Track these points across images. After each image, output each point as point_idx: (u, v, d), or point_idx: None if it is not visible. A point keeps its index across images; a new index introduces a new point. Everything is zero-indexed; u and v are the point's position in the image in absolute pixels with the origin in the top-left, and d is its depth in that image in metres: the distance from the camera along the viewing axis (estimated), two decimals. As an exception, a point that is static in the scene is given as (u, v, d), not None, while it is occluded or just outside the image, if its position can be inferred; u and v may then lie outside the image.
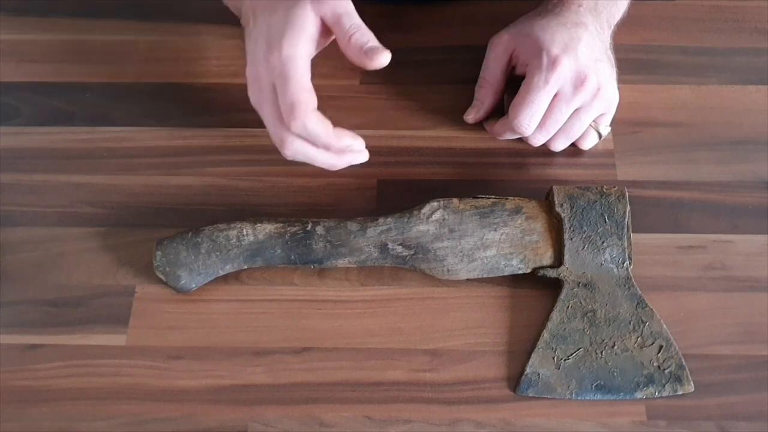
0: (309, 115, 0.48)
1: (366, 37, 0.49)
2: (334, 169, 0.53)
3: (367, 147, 0.60)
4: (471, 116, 0.60)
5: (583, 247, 0.52)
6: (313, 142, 0.50)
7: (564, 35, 0.54)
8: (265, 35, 0.49)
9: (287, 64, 0.48)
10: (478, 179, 0.59)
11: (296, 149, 0.50)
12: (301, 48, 0.48)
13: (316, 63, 0.65)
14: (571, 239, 0.52)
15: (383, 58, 0.49)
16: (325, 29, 0.50)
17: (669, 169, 0.59)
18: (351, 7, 0.50)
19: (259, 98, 0.50)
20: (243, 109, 0.62)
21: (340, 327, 0.53)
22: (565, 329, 0.51)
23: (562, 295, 0.52)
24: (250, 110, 0.62)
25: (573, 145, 0.59)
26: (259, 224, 0.53)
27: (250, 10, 0.52)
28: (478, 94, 0.60)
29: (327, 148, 0.51)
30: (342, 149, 0.52)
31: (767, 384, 0.50)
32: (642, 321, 0.51)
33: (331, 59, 0.65)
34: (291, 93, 0.48)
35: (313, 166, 0.59)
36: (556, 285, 0.53)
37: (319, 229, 0.53)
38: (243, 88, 0.63)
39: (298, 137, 0.50)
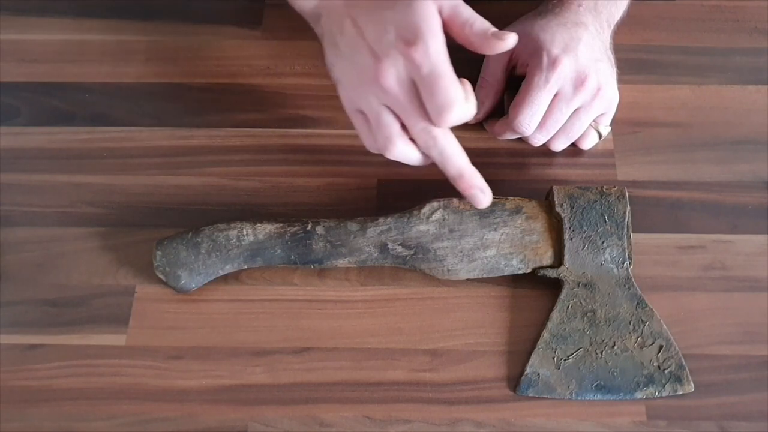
0: (463, 107, 0.46)
1: (486, 23, 0.48)
2: (462, 176, 0.50)
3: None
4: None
5: (583, 247, 0.52)
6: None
7: (564, 35, 0.54)
8: (392, 30, 0.46)
9: (437, 60, 0.46)
10: (478, 179, 0.59)
11: (438, 142, 0.48)
12: (441, 42, 0.47)
13: (316, 64, 0.65)
14: (571, 239, 0.52)
15: (511, 39, 0.47)
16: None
17: (669, 169, 0.59)
18: None
19: (395, 92, 0.47)
20: (243, 109, 0.62)
21: (340, 327, 0.53)
22: (565, 329, 0.51)
23: (562, 295, 0.52)
24: (250, 110, 0.62)
25: (573, 145, 0.59)
26: (259, 224, 0.53)
27: (342, 10, 0.49)
28: (479, 95, 0.60)
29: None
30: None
31: (767, 384, 0.50)
32: (642, 321, 0.51)
33: (331, 59, 0.65)
34: (445, 89, 0.46)
35: (314, 166, 0.59)
36: (556, 285, 0.53)
37: (319, 229, 0.53)
38: (243, 89, 0.64)
39: (443, 130, 0.48)
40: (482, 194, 0.50)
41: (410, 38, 0.46)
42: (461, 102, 0.46)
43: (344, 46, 0.49)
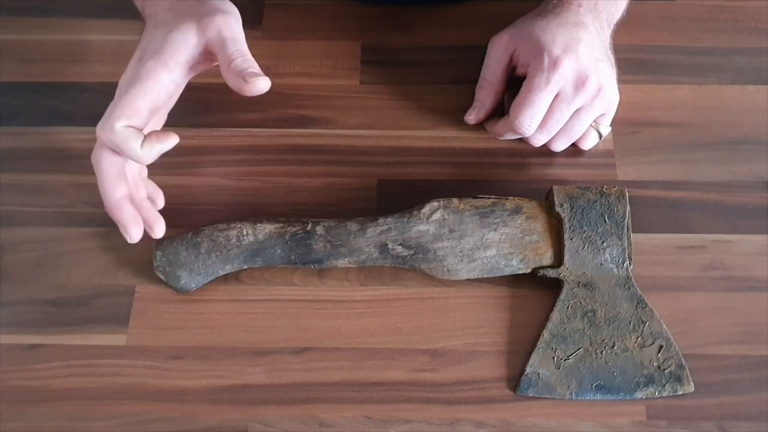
0: (116, 129, 0.48)
1: (248, 63, 0.49)
2: (109, 211, 0.51)
3: (367, 147, 0.60)
4: (472, 117, 0.60)
5: (583, 247, 0.52)
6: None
7: (565, 36, 0.54)
8: (141, 48, 0.49)
9: (143, 80, 0.48)
10: (478, 179, 0.59)
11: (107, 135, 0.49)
12: (166, 77, 0.48)
13: (316, 64, 0.65)
14: (571, 239, 0.52)
15: (262, 83, 0.49)
16: (208, 55, 0.50)
17: (669, 169, 0.59)
18: (240, 33, 0.50)
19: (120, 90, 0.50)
20: (243, 109, 0.62)
21: (340, 327, 0.53)
22: (565, 329, 0.51)
23: (562, 295, 0.52)
24: (250, 110, 0.62)
25: (573, 145, 0.59)
26: (259, 224, 0.53)
27: (152, 19, 0.52)
28: (479, 95, 0.60)
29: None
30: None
31: (767, 384, 0.50)
32: (642, 321, 0.51)
33: (331, 59, 0.65)
34: (122, 102, 0.48)
35: (314, 166, 0.59)
36: (556, 285, 0.53)
37: (319, 229, 0.53)
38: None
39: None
40: (126, 233, 0.51)
41: (150, 58, 0.48)
42: (126, 119, 0.47)
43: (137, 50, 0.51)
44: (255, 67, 0.49)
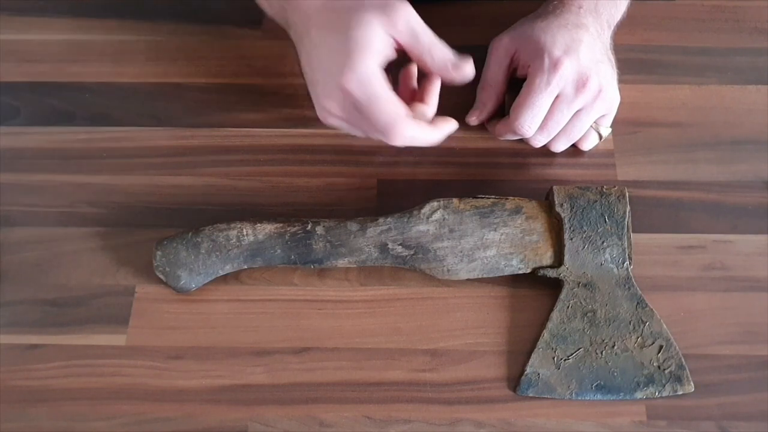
0: (407, 127, 0.49)
1: (448, 51, 0.51)
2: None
3: (367, 147, 0.60)
4: (474, 118, 0.60)
5: (583, 247, 0.52)
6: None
7: (565, 37, 0.54)
8: (333, 57, 0.49)
9: (366, 87, 0.48)
10: (478, 179, 0.59)
11: (414, 142, 0.51)
12: (372, 66, 0.48)
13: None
14: (571, 239, 0.52)
15: (469, 71, 0.51)
16: (395, 46, 0.50)
17: (669, 169, 0.59)
18: (421, 21, 0.50)
19: (348, 119, 0.51)
20: (243, 109, 0.62)
21: (340, 327, 0.53)
22: (565, 329, 0.51)
23: (562, 295, 0.52)
24: (250, 110, 0.62)
25: (573, 145, 0.59)
26: (259, 224, 0.53)
27: (303, 26, 0.51)
28: (480, 96, 0.60)
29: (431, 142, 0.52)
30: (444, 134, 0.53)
31: (767, 384, 0.50)
32: (642, 321, 0.51)
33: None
34: (381, 113, 0.48)
35: (314, 166, 0.60)
36: (556, 285, 0.53)
37: (319, 229, 0.53)
38: (243, 88, 0.64)
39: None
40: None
41: (343, 66, 0.48)
42: (403, 120, 0.48)
43: (302, 57, 0.52)
44: (452, 53, 0.51)
